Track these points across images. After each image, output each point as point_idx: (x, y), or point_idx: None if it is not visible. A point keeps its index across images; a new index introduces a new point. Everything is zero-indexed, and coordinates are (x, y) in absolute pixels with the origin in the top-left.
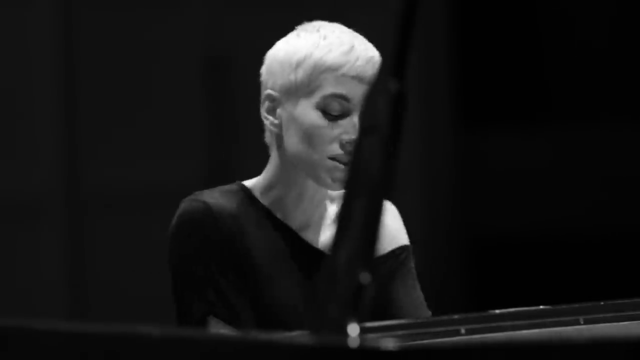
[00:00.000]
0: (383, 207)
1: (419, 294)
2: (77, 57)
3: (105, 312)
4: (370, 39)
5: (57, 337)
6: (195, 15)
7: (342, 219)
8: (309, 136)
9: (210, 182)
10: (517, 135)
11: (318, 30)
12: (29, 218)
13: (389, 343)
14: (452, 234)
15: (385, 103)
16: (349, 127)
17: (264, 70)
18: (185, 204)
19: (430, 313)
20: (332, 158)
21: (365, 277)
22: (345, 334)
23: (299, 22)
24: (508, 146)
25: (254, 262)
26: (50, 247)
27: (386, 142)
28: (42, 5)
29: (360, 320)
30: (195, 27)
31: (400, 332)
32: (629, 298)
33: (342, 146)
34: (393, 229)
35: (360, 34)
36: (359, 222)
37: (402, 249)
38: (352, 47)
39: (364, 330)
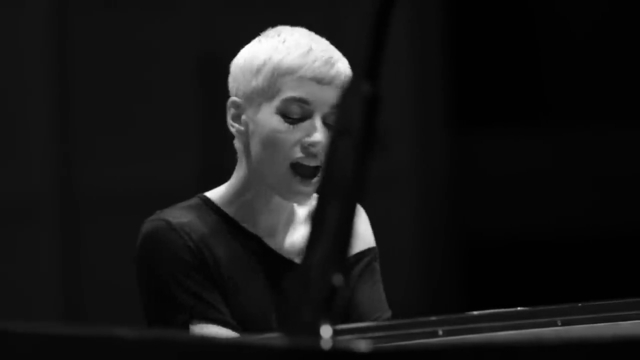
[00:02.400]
0: (356, 210)
1: (379, 293)
2: (70, 58)
3: (100, 313)
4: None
5: (32, 340)
6: (189, 16)
7: (316, 221)
8: (271, 141)
9: (204, 183)
10: (511, 137)
11: (279, 35)
12: (22, 220)
13: (362, 345)
14: (447, 236)
15: (359, 106)
16: (310, 130)
17: (229, 78)
18: (147, 225)
19: (390, 313)
20: (295, 163)
21: (338, 279)
22: (318, 336)
23: (292, 22)
24: (502, 148)
25: (221, 273)
26: (44, 248)
27: (360, 145)
28: (35, 5)
29: (333, 322)
30: (189, 27)
31: (377, 334)
32: (623, 298)
33: (303, 149)
34: (361, 230)
35: (350, 34)
36: (332, 224)
37: (370, 250)
38: (309, 49)
39: (341, 332)
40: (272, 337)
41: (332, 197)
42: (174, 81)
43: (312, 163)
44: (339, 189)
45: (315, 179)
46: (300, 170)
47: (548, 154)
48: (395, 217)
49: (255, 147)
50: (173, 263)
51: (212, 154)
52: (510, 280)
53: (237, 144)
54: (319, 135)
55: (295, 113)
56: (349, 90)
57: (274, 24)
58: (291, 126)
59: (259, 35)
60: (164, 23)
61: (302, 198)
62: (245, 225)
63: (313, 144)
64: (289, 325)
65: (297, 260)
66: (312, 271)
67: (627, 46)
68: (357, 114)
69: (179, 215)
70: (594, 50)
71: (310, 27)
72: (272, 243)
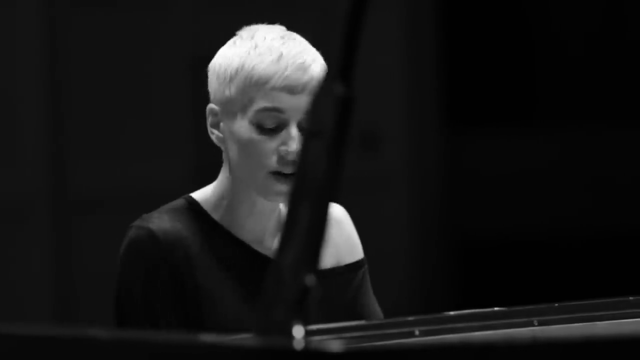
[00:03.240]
0: (329, 210)
1: (378, 307)
2: (62, 59)
3: (92, 313)
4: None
5: (3, 340)
6: (181, 16)
7: (288, 222)
8: (248, 151)
9: (198, 182)
10: (504, 137)
11: (252, 38)
12: (15, 220)
13: (335, 345)
14: (440, 236)
15: (331, 107)
16: (287, 139)
17: (208, 81)
18: (131, 232)
19: None
20: (273, 172)
21: (310, 280)
22: (290, 336)
23: (285, 21)
24: (495, 148)
25: (204, 283)
26: (37, 248)
27: (332, 146)
28: (28, 6)
29: (305, 323)
30: (182, 28)
31: (354, 334)
32: (617, 297)
33: (280, 159)
34: (355, 241)
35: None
36: (304, 225)
37: (363, 261)
38: (280, 56)
39: (318, 332)
40: (245, 338)
41: (304, 198)
42: (167, 81)
43: (290, 171)
44: (311, 190)
45: None
46: (278, 178)
47: (541, 154)
48: (388, 217)
49: (233, 154)
50: (145, 282)
51: (205, 154)
52: (503, 280)
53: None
54: (295, 144)
55: (269, 123)
56: (322, 91)
57: (268, 23)
58: (266, 136)
59: (235, 34)
60: (157, 23)
61: (284, 198)
62: (232, 230)
63: (289, 153)
64: (262, 326)
65: None
66: (284, 272)
67: (620, 47)
68: (330, 115)
69: (164, 221)
70: (586, 50)
71: (305, 27)
72: (260, 248)
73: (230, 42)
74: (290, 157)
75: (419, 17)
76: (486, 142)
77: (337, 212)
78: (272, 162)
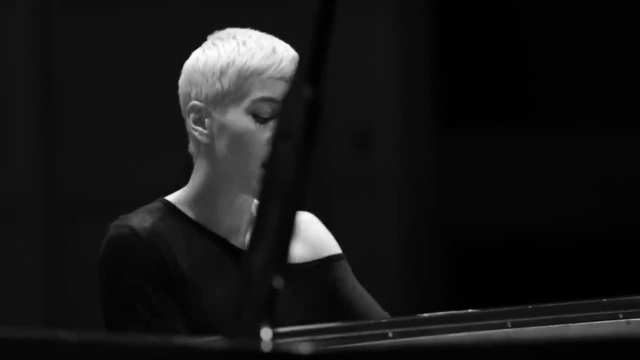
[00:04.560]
0: (298, 212)
1: (370, 299)
2: (55, 60)
3: (84, 315)
4: (366, 40)
5: None
6: (174, 17)
7: (257, 223)
8: (243, 142)
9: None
10: (496, 138)
11: (234, 38)
12: (7, 221)
13: (303, 347)
14: (432, 236)
15: (300, 109)
16: None
17: (183, 81)
18: (111, 231)
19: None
20: None
21: (278, 282)
22: (258, 338)
23: (278, 21)
24: (487, 149)
25: (186, 276)
26: (29, 250)
27: (301, 147)
28: (21, 7)
29: (273, 324)
30: (175, 29)
31: (327, 336)
32: (606, 297)
33: None
34: (325, 237)
35: (340, 35)
36: (273, 227)
37: (339, 256)
38: (273, 49)
39: (292, 335)
40: (213, 340)
41: (273, 200)
42: (160, 83)
43: None
44: (280, 191)
45: None
46: None
47: (533, 155)
48: (381, 217)
49: (222, 149)
50: (135, 274)
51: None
52: (495, 280)
53: (195, 147)
54: None
55: (265, 112)
56: (291, 94)
57: (260, 24)
58: (262, 125)
59: (208, 37)
60: (150, 24)
61: None
62: (208, 226)
63: None
64: (230, 328)
65: None
66: (253, 273)
67: (615, 46)
68: (299, 117)
69: (143, 220)
70: (579, 50)
71: (297, 27)
72: (237, 243)
73: (207, 44)
74: None
75: (412, 17)
76: (479, 142)
77: (307, 215)
78: (264, 152)
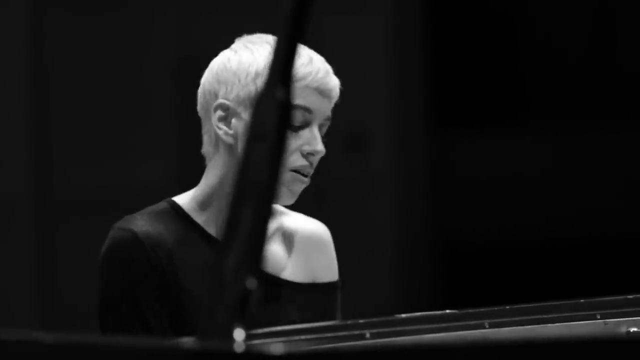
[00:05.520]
0: (271, 213)
1: None
2: (48, 61)
3: (75, 315)
4: (359, 41)
5: None
6: (165, 17)
7: (230, 224)
8: None
9: (182, 185)
10: (490, 139)
11: (267, 42)
12: (0, 222)
13: (275, 347)
14: (426, 237)
15: (273, 111)
16: (310, 139)
17: (210, 79)
18: (113, 233)
19: None
20: (294, 170)
21: (251, 283)
22: (231, 339)
23: (272, 25)
24: (481, 150)
25: (183, 283)
26: (22, 251)
27: (274, 148)
28: (14, 8)
29: (247, 326)
30: (166, 29)
31: (305, 337)
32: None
33: (304, 157)
34: (334, 262)
35: (332, 35)
36: (246, 228)
37: (338, 283)
38: (311, 59)
39: (270, 335)
40: (186, 340)
41: (246, 201)
42: (152, 82)
43: (309, 172)
44: (253, 192)
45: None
46: (298, 177)
47: (528, 156)
48: (374, 218)
49: None
50: (131, 282)
51: (189, 157)
52: (489, 281)
53: (213, 147)
54: (320, 145)
55: (297, 121)
56: (264, 95)
57: (250, 25)
58: (292, 133)
59: (237, 40)
60: (141, 25)
61: (293, 197)
62: (214, 233)
63: (314, 152)
64: (203, 329)
65: (269, 269)
66: (226, 274)
67: (609, 46)
68: (272, 118)
69: (147, 223)
70: (574, 51)
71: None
72: None
73: (238, 46)
74: (313, 158)
75: (405, 18)
76: (472, 143)
77: (321, 231)
78: (296, 160)
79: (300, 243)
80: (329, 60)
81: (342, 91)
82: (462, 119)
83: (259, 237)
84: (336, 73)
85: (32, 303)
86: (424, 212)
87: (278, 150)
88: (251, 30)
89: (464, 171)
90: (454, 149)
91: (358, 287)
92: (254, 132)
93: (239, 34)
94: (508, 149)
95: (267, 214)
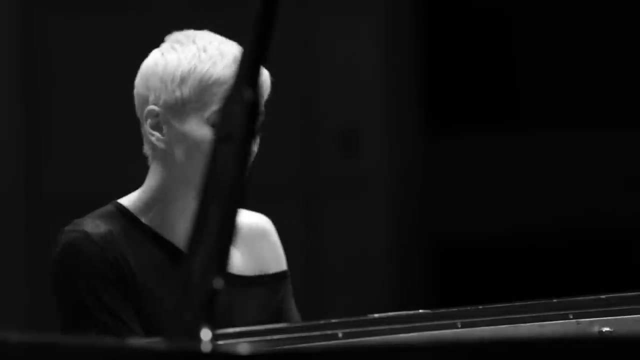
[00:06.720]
0: (238, 213)
1: (298, 314)
2: (38, 61)
3: None
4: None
5: None
6: (157, 16)
7: (197, 225)
8: (201, 151)
9: None
10: (482, 141)
11: (194, 42)
12: None
13: (242, 347)
14: (419, 238)
15: (241, 112)
16: None
17: (140, 83)
18: (65, 236)
19: None
20: None
21: (218, 283)
22: (198, 339)
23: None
24: (473, 152)
25: (139, 283)
26: (12, 251)
27: (241, 148)
28: (4, 7)
29: (213, 325)
30: (158, 29)
31: (277, 337)
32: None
33: None
34: (280, 251)
35: (325, 34)
36: (213, 228)
37: (287, 273)
38: (234, 59)
39: (241, 335)
40: (153, 341)
41: (213, 201)
42: None
43: None
44: (220, 192)
45: None
46: None
47: (520, 157)
48: (367, 218)
49: (179, 156)
50: (90, 277)
51: None
52: (480, 282)
53: (152, 150)
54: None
55: None
56: (231, 96)
57: (245, 24)
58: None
59: (166, 38)
60: (132, 24)
61: None
62: (161, 232)
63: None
64: (170, 329)
65: None
66: (193, 274)
67: (602, 46)
68: (239, 119)
69: (96, 225)
70: (566, 51)
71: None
72: None
73: (166, 47)
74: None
75: (398, 18)
76: (465, 144)
77: (263, 223)
78: None
79: (244, 236)
80: (322, 60)
81: (334, 92)
82: (454, 120)
83: (226, 238)
84: (329, 74)
85: (23, 303)
86: (416, 213)
87: (246, 151)
88: (241, 29)
89: (456, 172)
90: (446, 150)
91: (350, 287)
92: (222, 132)
93: (232, 33)
94: (501, 150)
95: (235, 214)
